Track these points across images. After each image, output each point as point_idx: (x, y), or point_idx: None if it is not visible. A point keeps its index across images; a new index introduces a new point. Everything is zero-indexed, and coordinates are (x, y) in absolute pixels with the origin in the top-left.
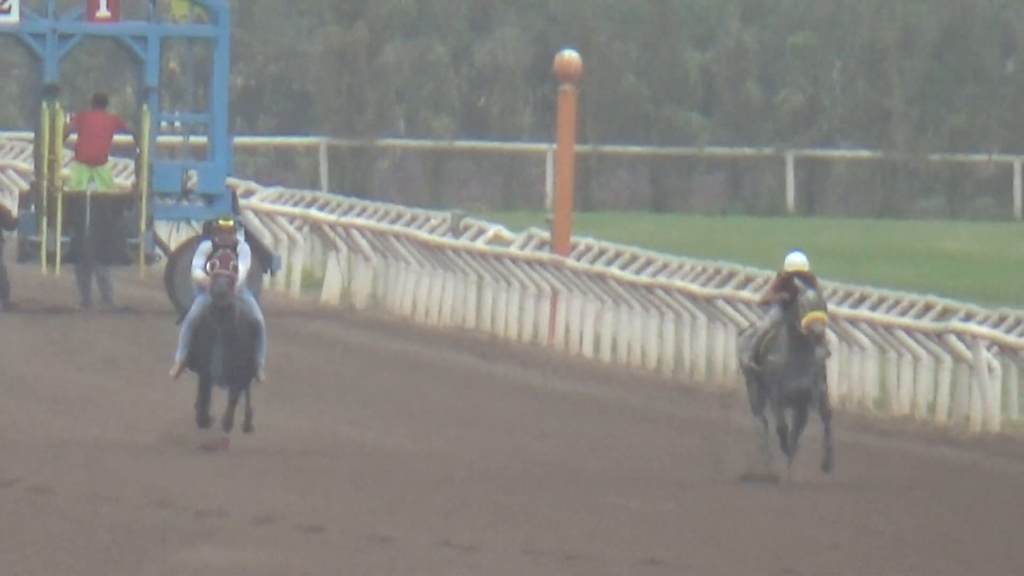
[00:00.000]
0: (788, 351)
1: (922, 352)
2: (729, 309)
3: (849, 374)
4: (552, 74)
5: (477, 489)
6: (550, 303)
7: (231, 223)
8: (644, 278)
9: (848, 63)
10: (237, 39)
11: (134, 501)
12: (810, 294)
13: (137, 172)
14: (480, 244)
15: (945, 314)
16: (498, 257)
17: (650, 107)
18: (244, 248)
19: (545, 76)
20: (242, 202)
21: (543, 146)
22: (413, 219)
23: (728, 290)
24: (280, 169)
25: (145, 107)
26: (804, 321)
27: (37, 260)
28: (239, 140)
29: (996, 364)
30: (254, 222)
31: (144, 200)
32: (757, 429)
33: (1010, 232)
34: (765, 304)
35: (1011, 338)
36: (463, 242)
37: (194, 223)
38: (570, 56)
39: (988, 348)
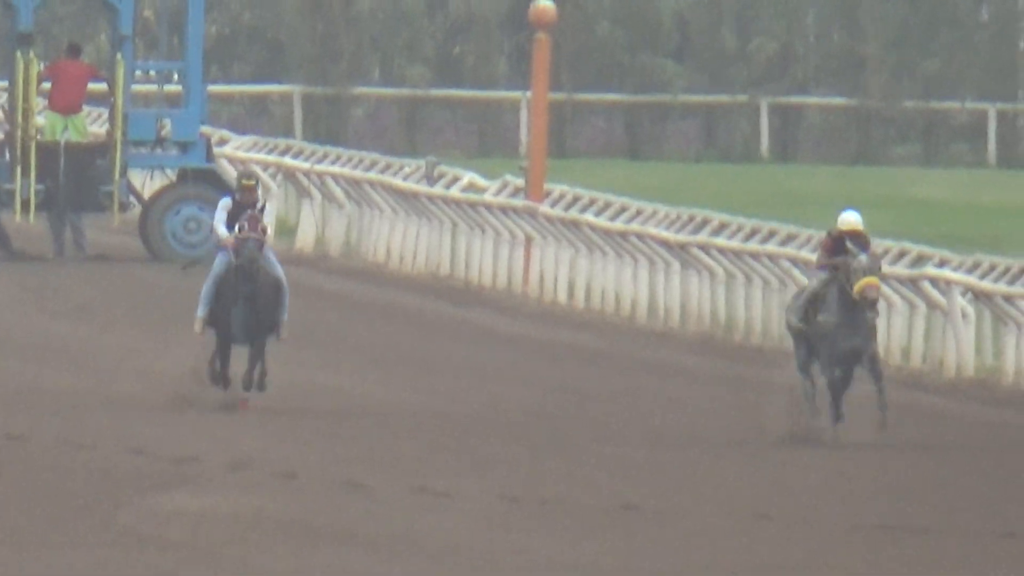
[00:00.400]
0: (839, 312)
1: (896, 298)
2: (703, 255)
3: None
4: (527, 22)
5: (451, 436)
6: (524, 250)
7: (253, 182)
8: (618, 225)
9: (822, 10)
10: None
11: (108, 448)
12: (863, 258)
13: (111, 121)
14: (454, 191)
15: (919, 260)
16: (472, 204)
17: (624, 55)
18: (266, 208)
19: (520, 24)
20: (216, 150)
21: (517, 94)
22: (387, 167)
23: (702, 237)
24: (254, 117)
25: (119, 56)
26: (857, 287)
27: (11, 208)
28: (213, 88)
29: (970, 310)
30: (228, 170)
31: (118, 148)
32: (805, 389)
33: (984, 178)
34: (819, 268)
35: (985, 284)
36: (437, 190)
37: (168, 171)
38: (545, 4)
39: (962, 294)
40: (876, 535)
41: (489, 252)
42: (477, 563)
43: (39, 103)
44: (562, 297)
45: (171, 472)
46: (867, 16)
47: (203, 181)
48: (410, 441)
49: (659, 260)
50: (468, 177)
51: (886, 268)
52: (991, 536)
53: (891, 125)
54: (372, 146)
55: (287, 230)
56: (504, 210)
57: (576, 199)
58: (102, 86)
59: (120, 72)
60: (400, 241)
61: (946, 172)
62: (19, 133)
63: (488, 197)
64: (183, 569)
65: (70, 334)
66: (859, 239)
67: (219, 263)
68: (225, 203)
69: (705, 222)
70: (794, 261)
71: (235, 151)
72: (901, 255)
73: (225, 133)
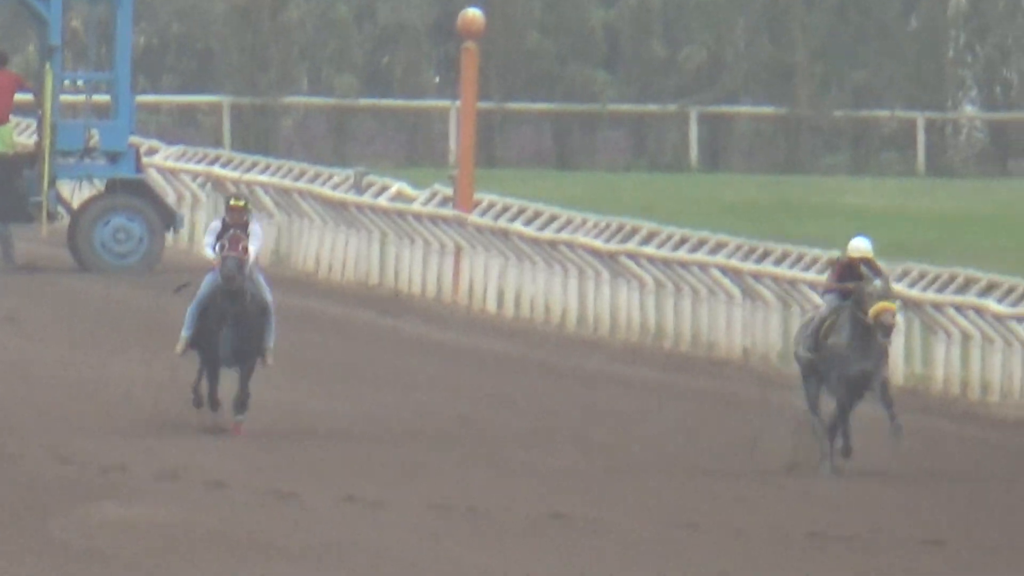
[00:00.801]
0: (850, 335)
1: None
2: (632, 264)
3: (753, 328)
4: (455, 32)
5: (380, 445)
6: (454, 259)
7: (242, 203)
8: (547, 234)
9: (751, 20)
10: None
11: (36, 457)
12: (877, 283)
13: (39, 131)
14: (383, 201)
15: None
16: (401, 214)
17: (554, 64)
18: (255, 229)
19: (449, 34)
20: (145, 160)
21: (446, 103)
22: (316, 176)
23: (631, 246)
24: (183, 127)
25: (48, 66)
26: (872, 312)
27: None
28: (142, 99)
29: (899, 318)
30: (157, 180)
31: (47, 159)
32: (815, 428)
33: (913, 187)
34: (827, 292)
35: (914, 292)
36: (366, 199)
37: (96, 181)
38: (473, 14)
39: None
40: (804, 543)
41: (418, 261)
42: (406, 572)
43: None
44: (491, 306)
45: (99, 481)
46: (796, 25)
47: (132, 191)
48: (338, 450)
49: (588, 269)
50: (397, 186)
51: (815, 277)
52: (918, 543)
53: (820, 134)
54: (301, 155)
55: None
56: (433, 219)
57: (505, 208)
58: (29, 96)
59: (49, 82)
60: (329, 250)
61: (875, 180)
62: None
63: (417, 207)
64: None
65: None
66: (870, 265)
67: (206, 284)
68: (214, 226)
69: (635, 231)
70: (724, 270)
71: (164, 161)
72: (829, 265)
73: (154, 143)
